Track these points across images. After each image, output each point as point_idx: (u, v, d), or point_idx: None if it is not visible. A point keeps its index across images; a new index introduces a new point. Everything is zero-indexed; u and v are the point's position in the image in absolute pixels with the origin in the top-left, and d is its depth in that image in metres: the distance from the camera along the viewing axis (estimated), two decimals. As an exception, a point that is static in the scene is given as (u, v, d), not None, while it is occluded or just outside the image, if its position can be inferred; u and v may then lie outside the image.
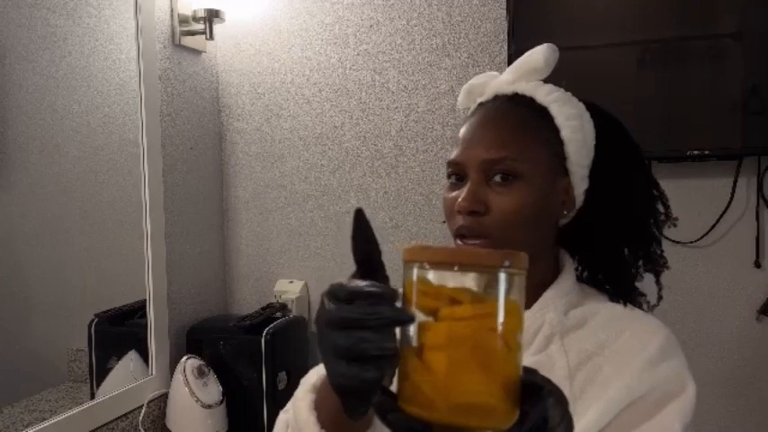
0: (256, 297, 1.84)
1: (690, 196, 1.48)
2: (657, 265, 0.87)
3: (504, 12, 1.52)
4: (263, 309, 1.70)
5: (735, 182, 1.44)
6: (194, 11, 1.67)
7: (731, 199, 1.45)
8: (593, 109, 0.81)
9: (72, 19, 1.37)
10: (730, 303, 1.48)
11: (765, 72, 1.34)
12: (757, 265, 1.45)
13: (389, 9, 1.68)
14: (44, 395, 1.31)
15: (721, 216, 1.46)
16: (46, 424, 1.24)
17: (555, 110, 0.77)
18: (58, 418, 1.27)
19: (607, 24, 1.44)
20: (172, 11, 1.65)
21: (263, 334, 1.56)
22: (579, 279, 0.82)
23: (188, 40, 1.70)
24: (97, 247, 1.46)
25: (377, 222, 1.74)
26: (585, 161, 0.77)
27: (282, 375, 1.59)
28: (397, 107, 1.70)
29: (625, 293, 0.81)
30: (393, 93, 1.70)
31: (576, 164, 0.76)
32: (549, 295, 0.76)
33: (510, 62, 1.48)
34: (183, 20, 1.67)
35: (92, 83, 1.42)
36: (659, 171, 1.49)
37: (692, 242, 1.48)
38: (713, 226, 1.47)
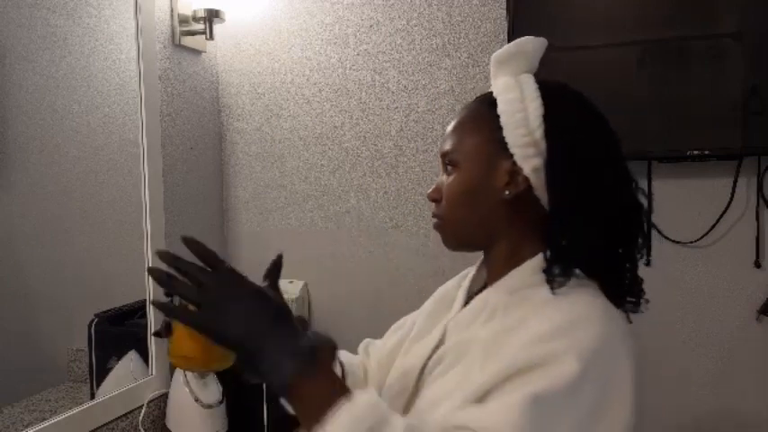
0: (256, 297, 1.84)
1: (690, 196, 1.48)
2: (627, 261, 0.85)
3: (504, 12, 1.52)
4: (263, 309, 1.70)
5: (735, 182, 1.44)
6: (194, 11, 1.67)
7: (731, 199, 1.45)
8: (557, 93, 0.83)
9: (72, 19, 1.37)
10: (730, 303, 1.48)
11: (765, 72, 1.34)
12: (757, 265, 1.45)
13: (389, 9, 1.68)
14: (44, 395, 1.31)
15: (721, 216, 1.46)
16: (46, 424, 1.24)
17: (499, 98, 0.83)
18: (58, 418, 1.27)
19: (607, 24, 1.44)
20: (172, 11, 1.65)
21: (263, 334, 1.56)
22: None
23: (188, 40, 1.70)
24: (97, 247, 1.46)
25: (376, 222, 1.74)
26: (524, 139, 0.79)
27: (282, 375, 1.59)
28: (397, 107, 1.70)
29: (612, 288, 0.81)
30: (393, 93, 1.70)
31: (515, 145, 0.80)
32: (504, 280, 0.82)
33: (510, 62, 1.49)
34: (183, 20, 1.67)
35: (92, 83, 1.42)
36: (659, 171, 1.49)
37: (692, 242, 1.48)
38: (713, 226, 1.47)
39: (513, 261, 0.82)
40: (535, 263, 0.80)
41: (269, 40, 1.80)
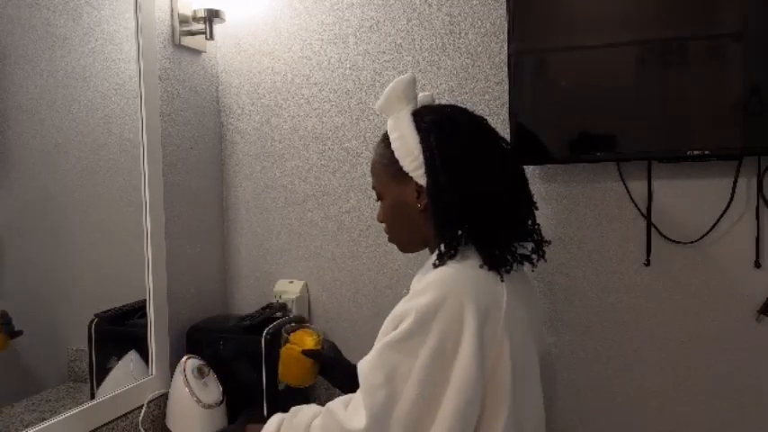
0: (256, 297, 1.84)
1: (690, 196, 1.48)
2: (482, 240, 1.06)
3: (504, 12, 1.52)
4: (263, 309, 1.70)
5: (735, 182, 1.44)
6: (194, 11, 1.68)
7: (731, 199, 1.45)
8: (425, 121, 1.08)
9: (72, 19, 1.37)
10: (730, 303, 1.48)
11: (765, 72, 1.34)
12: (757, 265, 1.45)
13: (389, 9, 1.68)
14: (44, 395, 1.31)
15: (721, 216, 1.46)
16: (46, 424, 1.24)
17: (390, 136, 1.10)
18: (58, 418, 1.27)
19: (607, 24, 1.44)
20: (172, 11, 1.65)
21: (263, 334, 1.56)
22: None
23: (188, 40, 1.70)
24: (97, 247, 1.46)
25: (376, 222, 1.73)
26: (413, 164, 1.06)
27: (282, 375, 1.59)
28: (397, 107, 1.69)
29: (487, 260, 1.03)
30: (393, 93, 1.69)
31: (410, 170, 1.07)
32: (424, 267, 1.10)
33: (510, 62, 1.49)
34: (183, 20, 1.67)
35: (92, 83, 1.42)
36: (659, 171, 1.49)
37: (692, 242, 1.48)
38: (713, 226, 1.47)
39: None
40: (429, 262, 1.07)
41: (269, 40, 1.80)
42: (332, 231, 1.78)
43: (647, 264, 1.52)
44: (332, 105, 1.76)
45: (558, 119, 1.49)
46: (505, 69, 1.52)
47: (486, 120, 1.14)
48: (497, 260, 1.03)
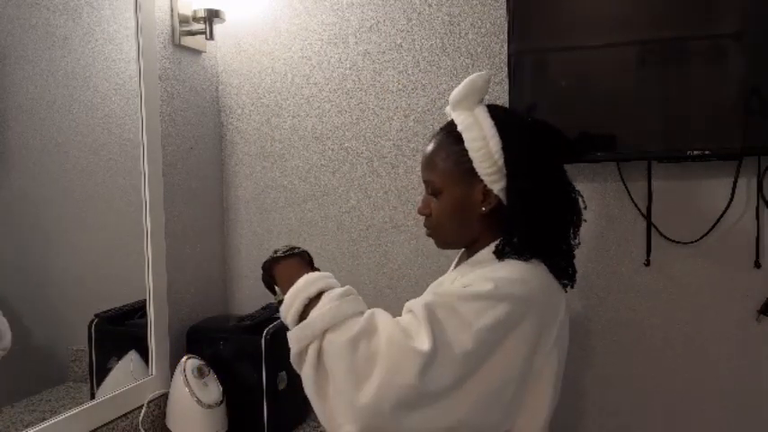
0: (256, 297, 1.84)
1: (690, 196, 1.48)
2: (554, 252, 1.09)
3: (504, 12, 1.52)
4: (263, 309, 1.70)
5: (735, 182, 1.44)
6: (194, 11, 1.67)
7: (731, 199, 1.45)
8: (508, 126, 1.07)
9: (72, 19, 1.37)
10: (730, 303, 1.48)
11: (765, 72, 1.34)
12: (757, 265, 1.45)
13: (389, 9, 1.68)
14: (44, 395, 1.31)
15: (721, 216, 1.46)
16: (46, 424, 1.24)
17: (465, 135, 1.06)
18: (58, 418, 1.27)
19: (607, 24, 1.44)
20: (172, 11, 1.65)
21: (263, 334, 1.56)
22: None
23: (188, 40, 1.70)
24: (97, 247, 1.46)
25: (377, 222, 1.74)
26: (490, 169, 1.04)
27: (282, 375, 1.59)
28: (397, 107, 1.70)
29: (553, 269, 1.07)
30: (393, 93, 1.70)
31: (483, 173, 1.05)
32: (474, 258, 1.10)
33: (510, 62, 1.49)
34: (183, 20, 1.67)
35: (92, 82, 1.42)
36: (659, 171, 1.49)
37: (692, 242, 1.49)
38: (713, 226, 1.47)
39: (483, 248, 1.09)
40: (493, 247, 1.07)
41: (269, 40, 1.80)
42: (332, 231, 1.78)
43: (647, 264, 1.52)
44: (332, 105, 1.76)
45: (558, 119, 1.48)
46: (505, 69, 1.52)
47: (558, 129, 1.14)
48: (562, 272, 1.08)
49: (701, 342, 1.50)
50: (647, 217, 1.51)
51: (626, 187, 1.52)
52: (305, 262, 1.13)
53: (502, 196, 1.06)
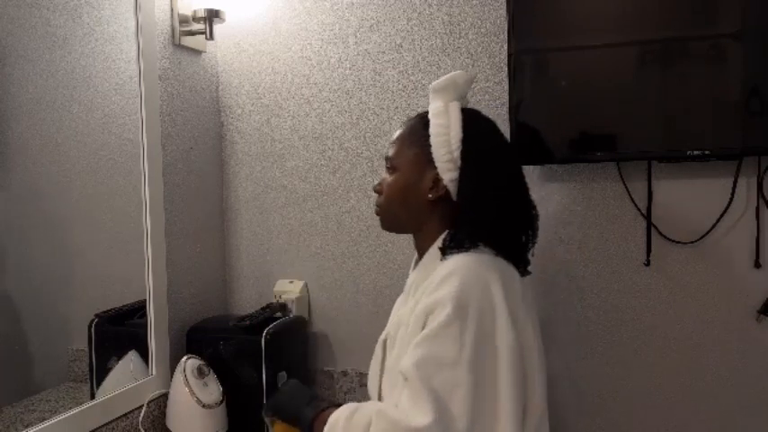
0: (256, 297, 1.84)
1: (690, 196, 1.48)
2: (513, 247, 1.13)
3: (504, 12, 1.52)
4: (263, 309, 1.70)
5: (735, 182, 1.44)
6: (194, 11, 1.67)
7: (731, 199, 1.45)
8: (474, 124, 1.11)
9: (72, 19, 1.37)
10: (730, 303, 1.48)
11: (765, 72, 1.34)
12: (757, 265, 1.45)
13: (389, 9, 1.68)
14: (44, 395, 1.31)
15: (721, 216, 1.46)
16: (46, 424, 1.24)
17: (431, 121, 1.11)
18: (58, 418, 1.27)
19: (607, 24, 1.44)
20: (172, 11, 1.65)
21: (263, 334, 1.56)
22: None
23: (188, 40, 1.70)
24: (97, 247, 1.46)
25: (375, 221, 1.73)
26: (445, 157, 1.08)
27: (282, 375, 1.59)
28: (397, 107, 1.70)
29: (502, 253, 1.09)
30: (393, 93, 1.70)
31: (438, 160, 1.09)
32: (422, 262, 1.14)
33: (510, 62, 1.49)
34: (183, 20, 1.67)
35: (92, 82, 1.42)
36: (659, 171, 1.49)
37: (692, 242, 1.48)
38: (713, 226, 1.47)
39: (430, 243, 1.12)
40: (440, 242, 1.09)
41: (269, 40, 1.80)
42: (332, 231, 1.78)
43: (647, 264, 1.52)
44: (332, 105, 1.76)
45: (558, 119, 1.49)
46: (505, 69, 1.52)
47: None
48: (511, 255, 1.10)
49: (701, 342, 1.50)
50: (647, 217, 1.51)
51: (626, 187, 1.52)
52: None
53: (451, 188, 1.09)
